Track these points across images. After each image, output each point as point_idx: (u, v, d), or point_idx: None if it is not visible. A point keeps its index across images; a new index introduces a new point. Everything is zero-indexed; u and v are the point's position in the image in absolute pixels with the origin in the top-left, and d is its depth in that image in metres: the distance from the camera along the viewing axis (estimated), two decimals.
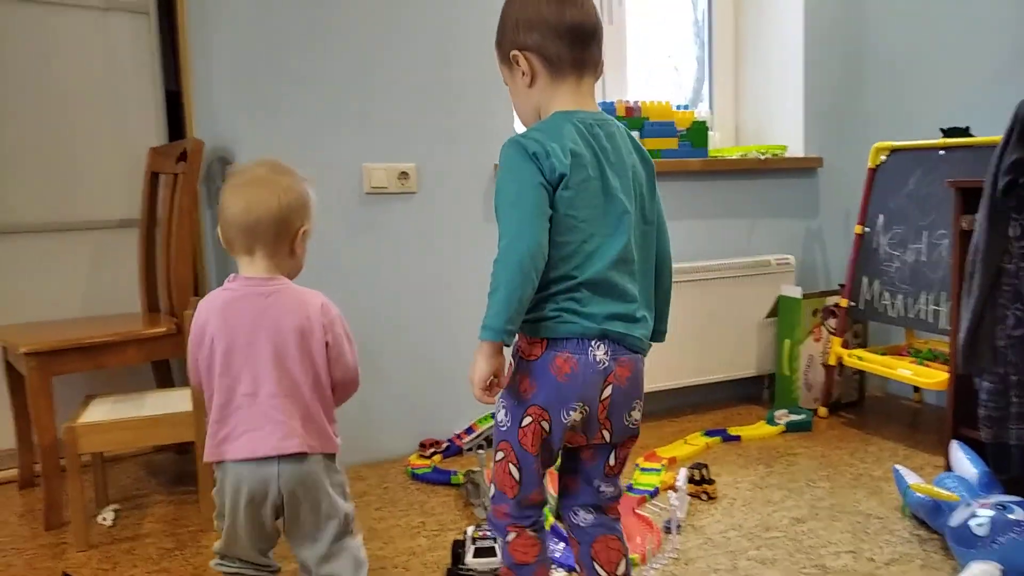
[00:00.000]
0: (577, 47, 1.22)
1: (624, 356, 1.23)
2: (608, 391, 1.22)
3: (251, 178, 1.37)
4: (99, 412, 1.93)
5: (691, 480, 2.05)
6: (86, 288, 2.46)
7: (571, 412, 1.21)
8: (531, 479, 1.25)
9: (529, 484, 1.26)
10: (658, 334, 1.35)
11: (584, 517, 1.31)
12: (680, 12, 3.22)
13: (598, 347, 1.20)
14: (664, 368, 2.67)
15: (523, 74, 1.24)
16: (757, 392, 2.96)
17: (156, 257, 2.40)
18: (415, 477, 2.23)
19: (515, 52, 1.24)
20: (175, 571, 1.74)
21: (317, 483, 1.34)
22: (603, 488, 1.31)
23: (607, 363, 1.20)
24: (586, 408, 1.21)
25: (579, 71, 1.24)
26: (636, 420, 1.28)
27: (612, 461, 1.30)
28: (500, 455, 1.27)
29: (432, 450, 2.35)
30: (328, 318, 1.37)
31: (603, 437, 1.25)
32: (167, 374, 2.45)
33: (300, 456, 1.32)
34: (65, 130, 2.41)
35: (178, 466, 2.40)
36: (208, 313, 1.35)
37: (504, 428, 1.25)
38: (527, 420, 1.22)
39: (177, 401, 1.99)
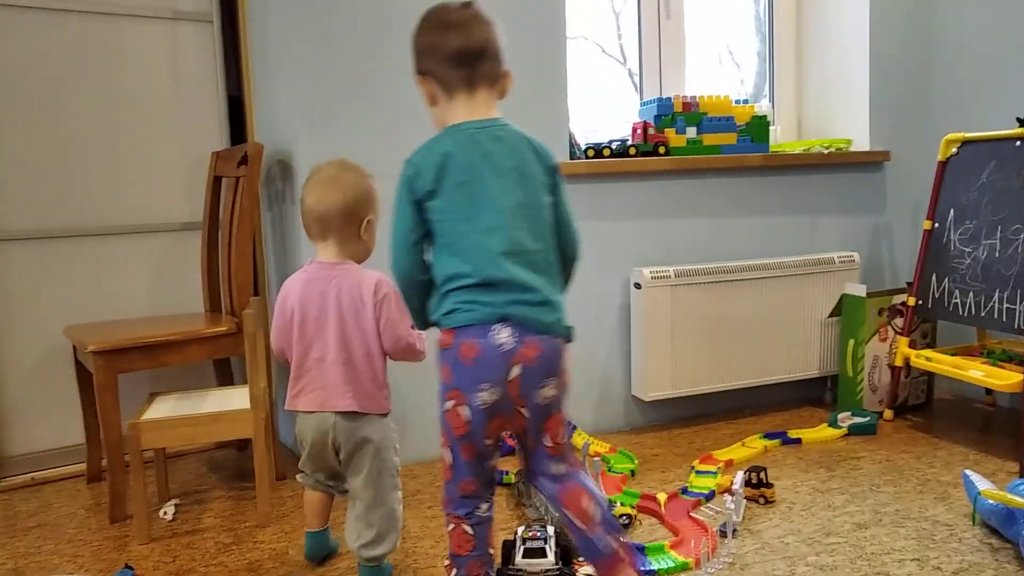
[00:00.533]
0: (464, 67, 1.36)
1: (531, 337, 1.30)
2: (516, 371, 1.29)
3: (323, 176, 1.65)
4: (162, 409, 1.98)
5: (748, 483, 2.00)
6: (151, 289, 2.54)
7: (480, 393, 1.30)
8: (460, 466, 1.36)
9: (459, 470, 1.36)
10: None
11: (547, 485, 1.40)
12: (741, 6, 3.16)
13: (501, 331, 1.29)
14: (722, 369, 2.62)
15: (427, 95, 1.41)
16: (818, 394, 2.87)
17: (218, 258, 2.46)
18: None
19: (418, 77, 1.41)
20: (231, 565, 1.77)
21: (365, 436, 1.60)
22: (553, 469, 1.38)
23: (511, 344, 1.29)
24: (496, 389, 1.30)
25: (470, 87, 1.38)
26: (549, 396, 1.33)
27: (548, 442, 1.37)
28: (440, 440, 1.38)
29: None
30: (380, 295, 1.59)
31: (524, 417, 1.33)
32: (228, 372, 2.51)
33: (351, 414, 1.59)
34: (132, 136, 2.49)
35: (238, 463, 2.45)
36: (289, 290, 1.64)
37: (439, 414, 1.36)
38: (449, 403, 1.33)
39: (237, 399, 2.04)
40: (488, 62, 1.39)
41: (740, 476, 1.97)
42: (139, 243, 2.52)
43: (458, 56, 1.36)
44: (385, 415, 1.64)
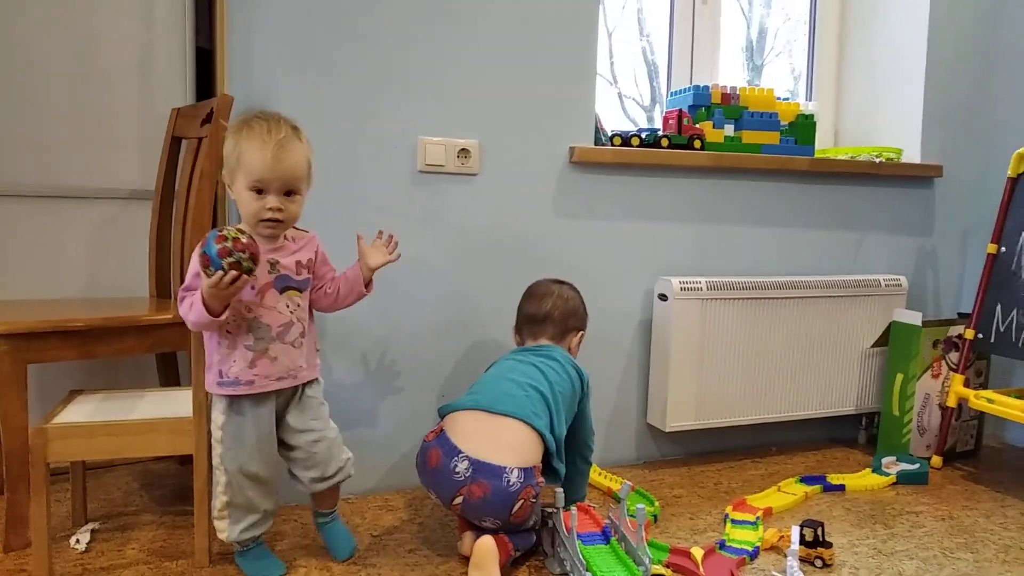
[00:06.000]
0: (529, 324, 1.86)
1: None
2: None
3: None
4: (81, 412, 1.58)
5: (802, 540, 1.64)
6: (88, 266, 2.13)
7: None
8: None
9: None
10: None
11: None
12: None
13: None
14: (751, 399, 2.27)
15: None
16: (851, 433, 2.54)
17: (170, 235, 2.06)
18: None
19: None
20: None
21: None
22: None
23: None
24: None
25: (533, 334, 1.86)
26: None
27: None
28: None
29: None
30: None
31: None
32: (174, 371, 2.11)
33: None
34: (82, 86, 2.09)
35: (179, 479, 2.04)
36: None
37: None
38: None
39: (178, 404, 1.64)
40: (551, 323, 1.86)
41: (796, 532, 1.61)
42: (77, 210, 2.11)
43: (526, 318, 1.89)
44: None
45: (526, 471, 1.53)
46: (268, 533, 1.59)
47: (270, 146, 1.39)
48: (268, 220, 1.42)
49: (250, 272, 1.34)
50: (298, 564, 1.59)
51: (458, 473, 1.52)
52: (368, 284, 1.61)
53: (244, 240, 1.32)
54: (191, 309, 1.39)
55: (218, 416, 1.47)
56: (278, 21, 1.87)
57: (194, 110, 2.04)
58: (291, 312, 1.49)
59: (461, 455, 1.53)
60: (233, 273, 1.31)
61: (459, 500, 1.53)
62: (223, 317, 1.39)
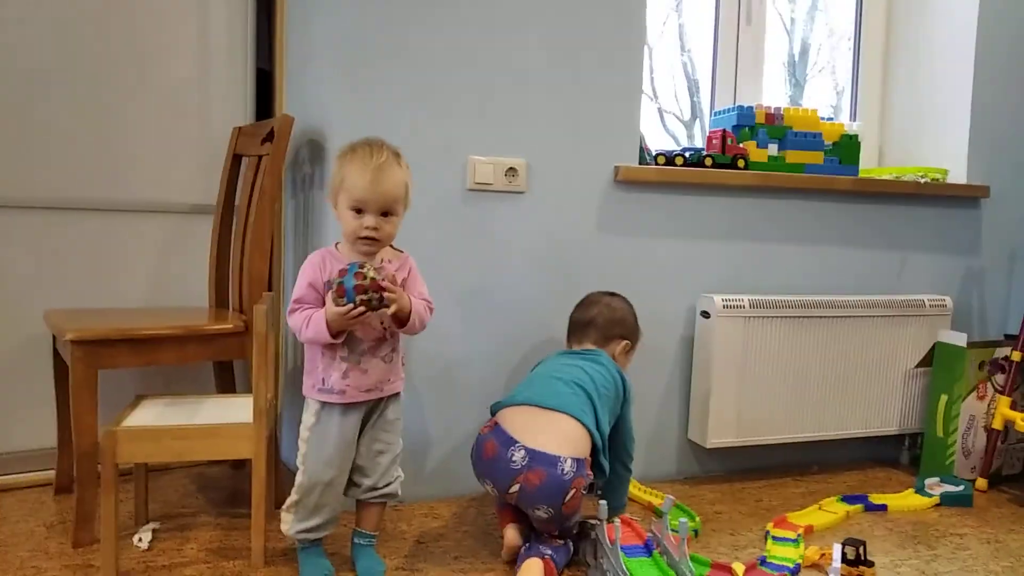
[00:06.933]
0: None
1: None
2: None
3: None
4: (147, 416, 1.66)
5: (843, 558, 1.65)
6: (151, 277, 2.22)
7: None
8: None
9: None
10: None
11: None
12: (824, 17, 2.87)
13: None
14: (793, 417, 2.28)
15: None
16: (893, 453, 2.53)
17: (229, 248, 2.15)
18: None
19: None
20: None
21: None
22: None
23: None
24: None
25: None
26: None
27: None
28: None
29: None
30: None
31: None
32: (230, 378, 2.19)
33: None
34: (147, 104, 2.18)
35: (232, 483, 2.12)
36: None
37: None
38: None
39: (237, 410, 1.72)
40: (593, 326, 1.97)
41: (838, 550, 1.62)
42: (142, 223, 2.21)
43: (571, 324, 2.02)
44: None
45: (578, 461, 1.60)
46: (329, 536, 1.64)
47: (370, 169, 1.47)
48: (365, 238, 1.50)
49: (376, 310, 1.44)
50: (346, 570, 1.64)
51: (515, 462, 1.58)
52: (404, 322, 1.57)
53: (380, 281, 1.43)
54: (308, 325, 1.48)
55: (309, 419, 1.55)
56: (333, 44, 1.94)
57: (254, 129, 2.13)
58: (384, 328, 1.56)
59: (517, 445, 1.59)
60: (361, 308, 1.42)
61: (516, 488, 1.58)
62: (340, 340, 1.50)
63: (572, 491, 1.58)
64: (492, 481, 1.64)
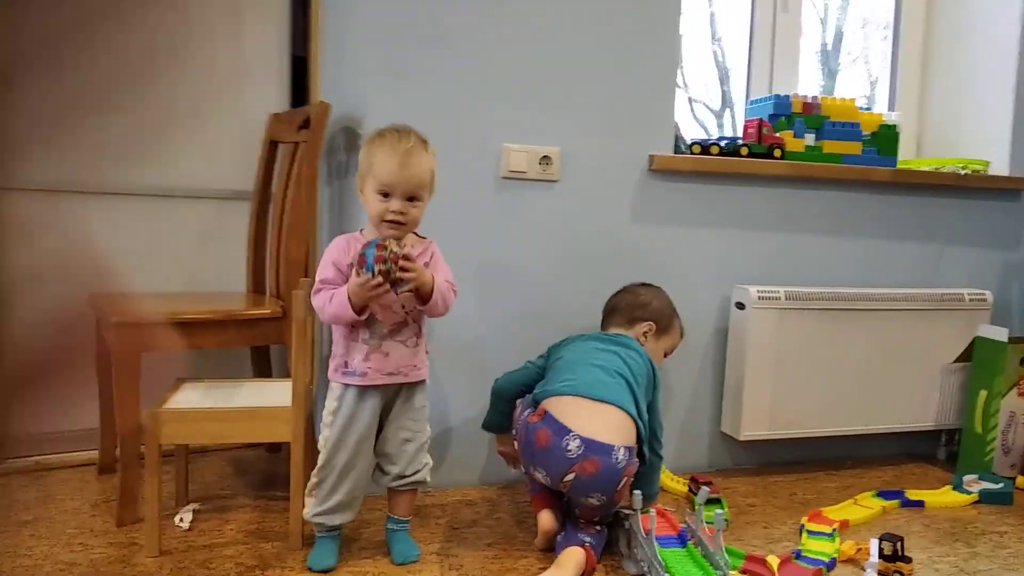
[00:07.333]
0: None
1: None
2: None
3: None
4: (189, 399, 1.69)
5: (880, 554, 1.64)
6: (190, 261, 2.26)
7: None
8: None
9: None
10: None
11: None
12: (862, 5, 2.82)
13: None
14: (828, 411, 2.26)
15: None
16: (930, 449, 2.50)
17: (267, 233, 2.18)
18: None
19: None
20: None
21: None
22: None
23: None
24: None
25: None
26: None
27: None
28: None
29: None
30: None
31: None
32: (266, 363, 2.22)
33: None
34: (185, 92, 2.21)
35: (269, 466, 2.15)
36: None
37: None
38: None
39: (274, 394, 1.74)
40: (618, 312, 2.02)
41: (875, 545, 1.61)
42: (182, 209, 2.24)
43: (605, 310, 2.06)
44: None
45: (630, 450, 1.61)
46: (348, 526, 1.66)
47: (399, 154, 1.49)
48: (391, 221, 1.51)
49: (395, 284, 1.46)
50: (381, 556, 1.66)
51: (570, 451, 1.57)
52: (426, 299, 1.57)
53: (399, 254, 1.44)
54: (331, 301, 1.51)
55: (331, 402, 1.58)
56: (369, 31, 1.95)
57: (290, 115, 2.15)
58: (407, 312, 1.58)
59: (572, 434, 1.58)
60: (379, 279, 1.43)
61: (571, 477, 1.58)
62: (363, 317, 1.51)
63: (624, 479, 1.59)
64: (545, 469, 1.63)
